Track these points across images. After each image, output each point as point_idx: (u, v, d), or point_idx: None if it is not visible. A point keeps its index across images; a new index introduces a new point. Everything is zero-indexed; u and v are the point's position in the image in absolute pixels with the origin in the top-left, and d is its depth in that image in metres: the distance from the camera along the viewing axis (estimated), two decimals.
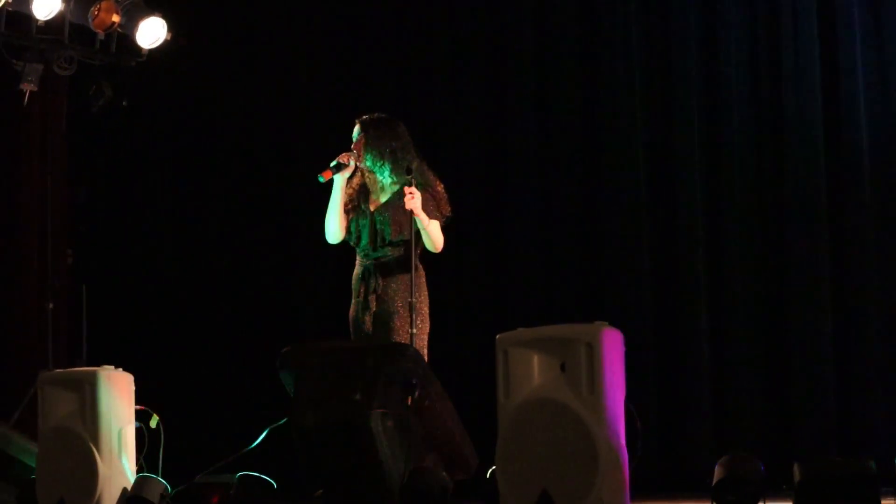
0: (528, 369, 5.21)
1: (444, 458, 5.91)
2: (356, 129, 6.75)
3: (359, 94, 8.57)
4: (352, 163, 6.67)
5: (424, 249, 6.67)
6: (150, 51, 8.06)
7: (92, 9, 7.80)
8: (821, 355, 7.48)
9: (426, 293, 6.64)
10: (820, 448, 7.30)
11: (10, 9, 7.71)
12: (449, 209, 6.70)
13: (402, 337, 6.51)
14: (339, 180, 6.69)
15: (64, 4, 7.74)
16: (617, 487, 4.99)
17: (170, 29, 8.01)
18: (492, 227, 8.25)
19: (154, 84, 8.68)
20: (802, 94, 7.61)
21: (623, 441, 5.05)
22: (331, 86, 8.73)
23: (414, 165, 6.56)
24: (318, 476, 5.97)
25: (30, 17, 7.72)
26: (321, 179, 6.63)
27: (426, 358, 6.56)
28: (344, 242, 6.78)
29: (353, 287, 6.75)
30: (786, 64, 7.63)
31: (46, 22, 7.75)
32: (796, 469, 5.31)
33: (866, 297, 7.45)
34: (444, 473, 5.57)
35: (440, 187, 6.70)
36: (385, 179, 6.68)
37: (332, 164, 6.65)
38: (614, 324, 5.21)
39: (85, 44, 8.00)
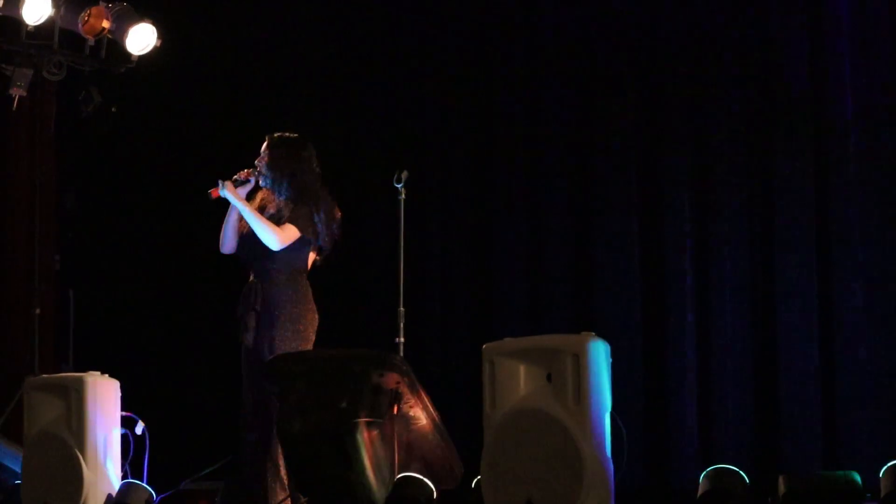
0: (515, 379, 5.23)
1: (430, 468, 5.91)
2: (265, 144, 6.84)
3: (349, 100, 8.58)
4: (251, 180, 6.77)
5: (312, 265, 6.76)
6: (140, 57, 8.06)
7: (82, 14, 7.80)
8: (806, 369, 7.48)
9: (310, 305, 6.69)
10: (805, 461, 7.31)
11: None
12: (336, 235, 6.75)
13: (281, 349, 6.55)
14: (240, 194, 6.74)
15: (54, 10, 7.73)
16: (602, 498, 5.00)
17: (159, 35, 8.00)
18: (478, 236, 8.24)
19: (143, 90, 8.67)
20: (791, 106, 7.63)
21: (608, 451, 5.07)
22: (320, 92, 8.72)
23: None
24: (303, 483, 5.97)
25: (20, 22, 7.71)
26: (210, 197, 6.71)
27: None
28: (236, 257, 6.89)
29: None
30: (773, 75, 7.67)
31: (36, 27, 7.73)
32: (781, 482, 5.33)
33: (851, 311, 7.45)
34: (429, 483, 5.57)
35: (335, 214, 6.75)
36: (280, 197, 6.77)
37: (234, 177, 6.73)
38: (601, 335, 5.22)
39: (74, 49, 7.99)
